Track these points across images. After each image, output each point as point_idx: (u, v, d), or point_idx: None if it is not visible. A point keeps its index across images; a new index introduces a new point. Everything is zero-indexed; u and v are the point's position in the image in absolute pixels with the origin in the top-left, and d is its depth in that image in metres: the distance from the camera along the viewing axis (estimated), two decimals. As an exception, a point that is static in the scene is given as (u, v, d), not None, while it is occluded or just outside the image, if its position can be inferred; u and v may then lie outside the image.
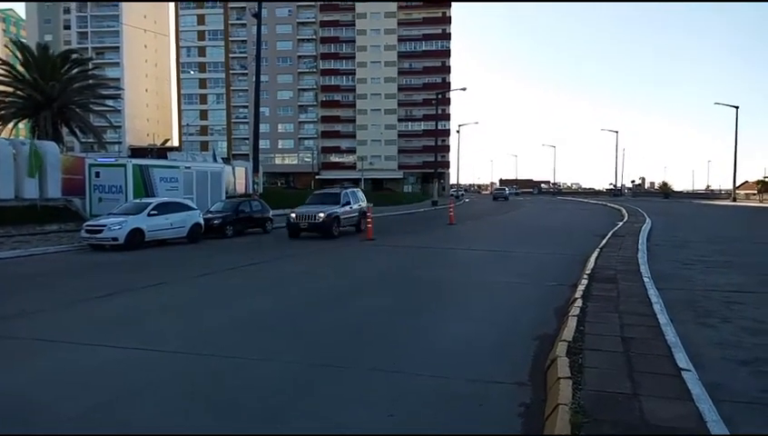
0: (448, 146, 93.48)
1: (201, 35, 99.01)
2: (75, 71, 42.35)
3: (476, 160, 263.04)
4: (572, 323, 7.15)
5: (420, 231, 25.90)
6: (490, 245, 19.18)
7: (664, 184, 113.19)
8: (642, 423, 4.25)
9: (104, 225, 17.28)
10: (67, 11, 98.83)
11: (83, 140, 47.79)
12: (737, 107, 65.28)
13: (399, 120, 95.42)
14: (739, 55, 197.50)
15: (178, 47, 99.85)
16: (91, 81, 44.99)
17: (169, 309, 9.17)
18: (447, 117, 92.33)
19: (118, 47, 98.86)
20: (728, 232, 23.83)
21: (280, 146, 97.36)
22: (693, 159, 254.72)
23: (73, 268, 14.25)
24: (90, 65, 48.85)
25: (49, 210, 23.66)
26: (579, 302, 8.42)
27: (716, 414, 4.39)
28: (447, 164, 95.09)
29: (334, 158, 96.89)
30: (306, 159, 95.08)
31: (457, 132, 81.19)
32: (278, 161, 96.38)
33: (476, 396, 5.23)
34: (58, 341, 7.18)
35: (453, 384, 5.50)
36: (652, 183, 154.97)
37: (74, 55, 44.46)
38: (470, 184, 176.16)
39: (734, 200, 68.11)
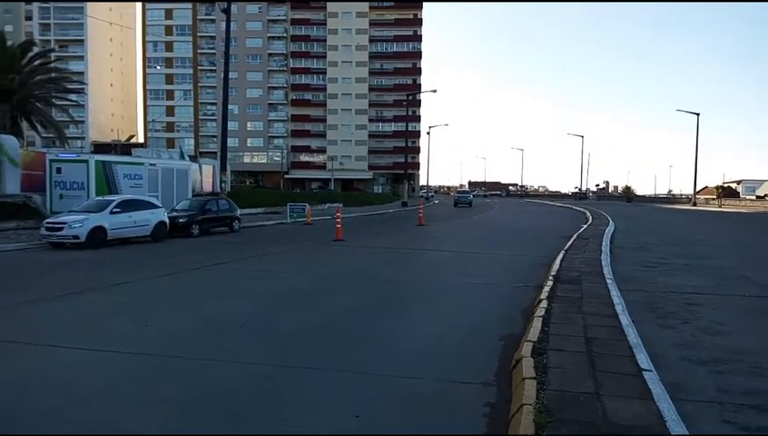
0: (419, 148, 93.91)
1: (168, 30, 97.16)
2: (36, 63, 41.07)
3: (445, 162, 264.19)
4: (537, 324, 7.24)
5: (390, 232, 25.93)
6: (459, 247, 19.32)
7: (628, 189, 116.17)
8: (604, 423, 4.32)
9: (65, 223, 16.80)
10: (29, 1, 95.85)
11: (44, 135, 46.54)
12: (698, 114, 67.25)
13: (370, 120, 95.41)
14: (701, 62, 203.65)
15: (144, 42, 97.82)
16: (53, 74, 43.65)
17: (131, 309, 8.94)
18: (417, 119, 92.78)
19: (82, 40, 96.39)
20: (688, 236, 24.51)
21: (249, 145, 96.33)
22: (655, 164, 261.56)
23: (32, 267, 13.80)
24: (52, 58, 47.45)
25: (7, 206, 22.86)
26: (544, 304, 8.54)
27: (675, 413, 4.49)
28: (417, 166, 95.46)
29: (304, 157, 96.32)
30: (275, 158, 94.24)
31: (428, 133, 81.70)
32: (246, 159, 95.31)
33: (442, 396, 5.24)
34: (15, 341, 6.93)
35: (420, 385, 5.50)
36: (615, 187, 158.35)
37: (35, 47, 43.15)
38: (440, 186, 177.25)
39: (695, 204, 70.16)
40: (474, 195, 73.22)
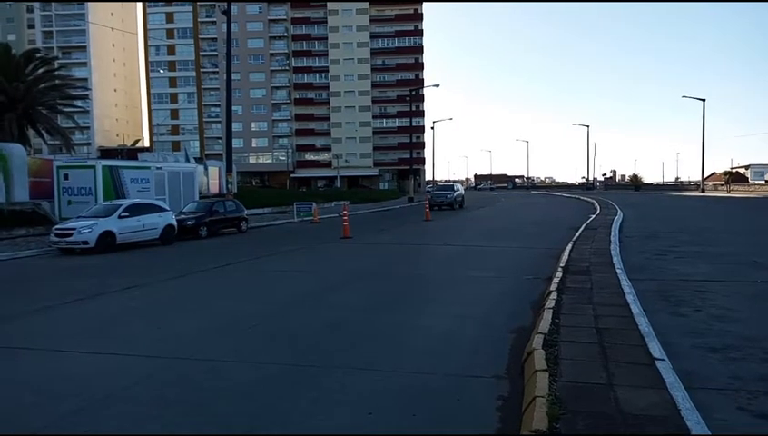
0: (423, 143, 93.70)
1: (170, 33, 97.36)
2: (41, 71, 41.41)
3: (451, 156, 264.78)
4: (547, 316, 7.22)
5: (397, 227, 25.93)
6: (466, 240, 19.28)
7: (635, 177, 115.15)
8: (617, 413, 4.30)
9: (74, 228, 16.91)
10: (31, 9, 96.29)
11: (50, 142, 46.79)
12: (704, 100, 66.72)
13: (374, 117, 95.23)
14: (705, 48, 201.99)
15: (147, 46, 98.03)
16: (57, 81, 44.01)
17: (141, 313, 9.00)
18: (421, 114, 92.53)
19: (85, 46, 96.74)
20: (697, 223, 24.34)
21: (254, 145, 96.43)
22: (662, 152, 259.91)
23: (42, 273, 13.91)
24: (56, 65, 47.79)
25: (16, 214, 23.04)
26: (554, 295, 8.51)
27: (689, 402, 4.47)
28: (422, 161, 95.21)
29: (309, 156, 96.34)
30: (281, 157, 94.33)
31: (432, 128, 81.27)
32: (252, 160, 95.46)
33: (454, 391, 5.24)
34: (27, 348, 6.99)
35: (432, 380, 5.51)
36: (623, 176, 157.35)
37: (39, 55, 43.40)
38: (446, 180, 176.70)
39: (703, 191, 69.60)
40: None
